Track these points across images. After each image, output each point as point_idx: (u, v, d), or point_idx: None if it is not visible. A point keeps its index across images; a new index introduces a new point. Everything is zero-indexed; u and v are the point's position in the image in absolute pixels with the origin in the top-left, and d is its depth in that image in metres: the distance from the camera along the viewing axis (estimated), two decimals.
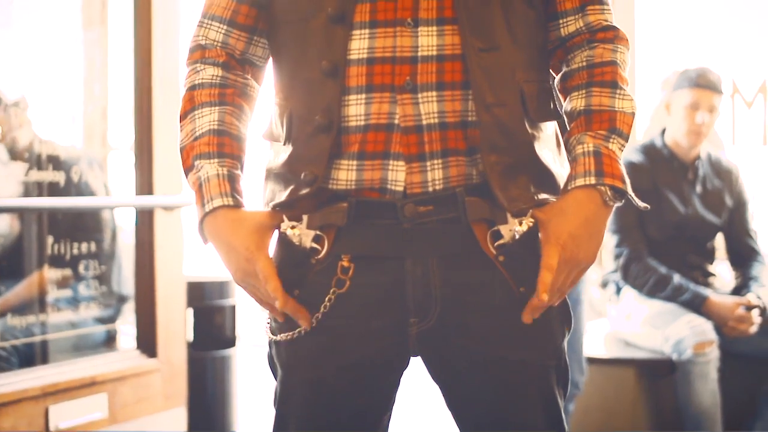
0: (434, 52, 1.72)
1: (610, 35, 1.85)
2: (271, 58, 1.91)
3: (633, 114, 1.81)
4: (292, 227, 1.79)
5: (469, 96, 1.73)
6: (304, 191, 1.75)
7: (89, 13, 4.48)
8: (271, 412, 1.93)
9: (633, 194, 1.78)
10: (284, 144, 1.81)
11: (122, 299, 4.34)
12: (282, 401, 1.88)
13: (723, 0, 5.65)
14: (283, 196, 1.79)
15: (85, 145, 4.34)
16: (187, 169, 1.84)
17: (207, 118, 1.84)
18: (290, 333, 1.82)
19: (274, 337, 1.85)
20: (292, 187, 1.78)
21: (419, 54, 1.72)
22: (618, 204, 1.77)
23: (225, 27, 1.88)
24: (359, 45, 1.73)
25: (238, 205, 1.79)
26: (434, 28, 1.72)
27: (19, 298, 3.97)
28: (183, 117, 1.87)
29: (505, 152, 1.73)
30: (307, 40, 1.79)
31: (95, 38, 4.42)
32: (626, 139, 1.79)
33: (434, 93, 1.72)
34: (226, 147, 1.82)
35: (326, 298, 1.78)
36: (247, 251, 1.77)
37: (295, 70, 1.82)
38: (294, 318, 1.80)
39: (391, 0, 1.73)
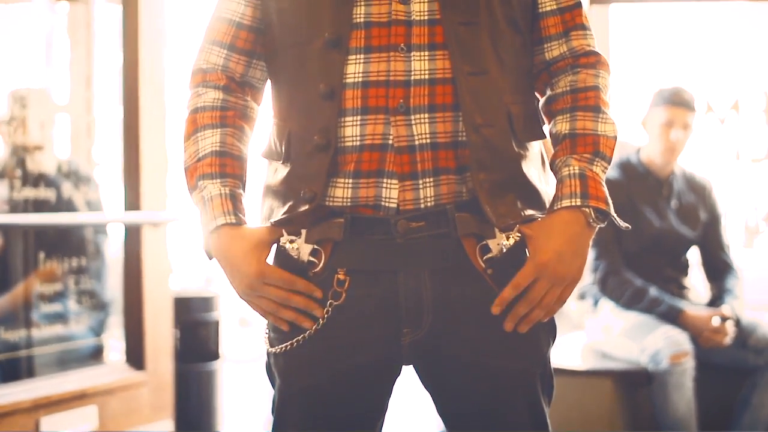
0: (426, 76, 1.81)
1: (593, 60, 1.94)
2: (269, 80, 1.99)
3: (615, 138, 1.90)
4: (291, 241, 1.87)
5: (460, 117, 1.81)
6: (303, 208, 1.83)
7: (75, 29, 4.54)
8: (254, 425, 2.00)
9: (614, 215, 1.87)
10: (283, 163, 1.89)
11: (109, 313, 4.39)
12: (280, 409, 1.94)
13: (696, 21, 5.75)
14: (281, 212, 1.87)
15: (71, 160, 4.39)
16: (191, 189, 1.92)
17: (209, 140, 1.91)
18: (287, 343, 1.89)
19: (272, 348, 1.92)
20: (290, 203, 1.85)
21: (412, 78, 1.81)
22: (601, 225, 1.87)
23: (225, 51, 1.96)
24: (355, 69, 1.82)
25: (240, 223, 1.87)
26: (426, 53, 1.81)
27: (5, 306, 4.02)
28: (186, 139, 1.95)
29: (493, 170, 1.82)
30: (304, 64, 1.87)
31: (81, 55, 4.48)
32: (609, 162, 1.89)
33: (426, 115, 1.81)
34: (227, 167, 1.90)
35: (324, 310, 1.85)
36: (248, 265, 1.85)
37: (294, 92, 1.90)
38: (307, 309, 1.86)
39: (385, 26, 1.81)
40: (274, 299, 1.87)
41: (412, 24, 1.81)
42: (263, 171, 1.99)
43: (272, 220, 1.88)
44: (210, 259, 1.92)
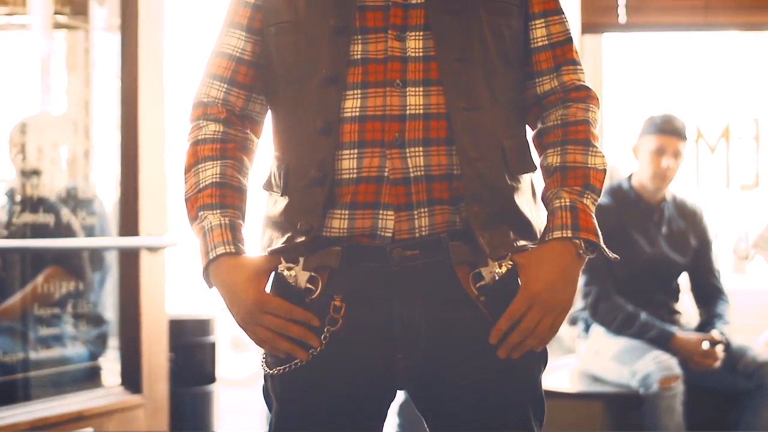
0: (421, 111, 1.86)
1: (583, 95, 1.99)
2: (270, 115, 2.04)
3: (605, 170, 1.95)
4: (289, 269, 1.91)
5: (453, 151, 1.86)
6: (300, 239, 1.88)
7: (73, 55, 4.58)
8: None
9: (604, 246, 1.92)
10: (282, 195, 1.94)
11: (107, 336, 4.42)
12: (276, 431, 1.98)
13: (687, 49, 5.81)
14: (280, 242, 1.91)
15: (68, 184, 4.42)
16: (192, 219, 1.96)
17: (210, 172, 1.96)
18: (284, 366, 1.93)
19: (270, 371, 1.96)
20: (288, 234, 1.90)
21: (407, 112, 1.86)
22: (591, 256, 1.92)
23: (225, 86, 2.00)
24: (352, 104, 1.87)
25: (239, 253, 1.92)
26: (421, 88, 1.86)
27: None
28: (187, 171, 1.99)
29: (487, 203, 1.87)
30: (302, 100, 1.92)
31: (79, 80, 4.51)
32: (599, 195, 1.94)
33: (421, 148, 1.86)
34: (227, 198, 1.95)
35: (321, 336, 1.89)
36: (246, 294, 1.90)
37: (292, 127, 1.95)
38: (303, 339, 1.90)
39: (381, 63, 1.87)
40: (271, 328, 1.90)
41: (408, 60, 1.87)
42: (264, 202, 2.03)
43: (270, 249, 1.93)
44: (210, 287, 1.96)
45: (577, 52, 2.03)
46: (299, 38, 1.92)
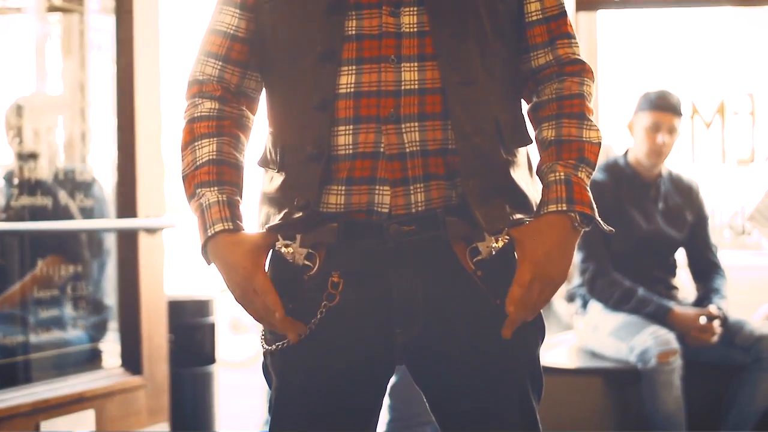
0: (416, 86, 1.87)
1: (578, 68, 2.00)
2: (265, 92, 2.04)
3: (599, 144, 1.96)
4: (286, 246, 1.92)
5: (449, 126, 1.88)
6: (297, 215, 1.89)
7: (68, 38, 4.58)
8: (250, 427, 2.05)
9: (599, 219, 1.93)
10: (278, 171, 1.95)
11: (108, 318, 4.44)
12: (276, 407, 2.00)
13: (682, 25, 5.80)
14: (277, 219, 1.92)
15: (67, 168, 4.43)
16: (190, 197, 1.97)
17: (206, 149, 1.97)
18: (284, 342, 1.94)
19: (269, 347, 1.98)
20: (285, 211, 1.91)
21: (402, 88, 1.87)
22: (586, 229, 1.93)
23: (220, 63, 2.00)
24: (347, 80, 1.88)
25: (237, 229, 1.93)
26: (416, 63, 1.87)
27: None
28: (184, 148, 2.00)
29: (483, 177, 1.88)
30: (298, 76, 1.93)
31: (75, 63, 4.52)
32: (593, 168, 1.95)
33: (416, 123, 1.87)
34: (225, 175, 1.96)
35: (317, 311, 1.91)
36: (245, 270, 1.91)
37: (287, 103, 1.96)
38: (283, 333, 1.93)
39: (376, 38, 1.88)
40: (257, 311, 1.93)
41: (402, 36, 1.87)
42: (259, 179, 2.04)
43: (267, 226, 1.94)
44: (208, 264, 1.97)
45: (571, 26, 2.03)
46: (294, 15, 1.93)
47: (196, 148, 1.98)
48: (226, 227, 1.92)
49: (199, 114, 2.00)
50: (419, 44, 1.88)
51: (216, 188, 1.94)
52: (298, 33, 1.92)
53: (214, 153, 1.96)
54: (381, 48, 1.88)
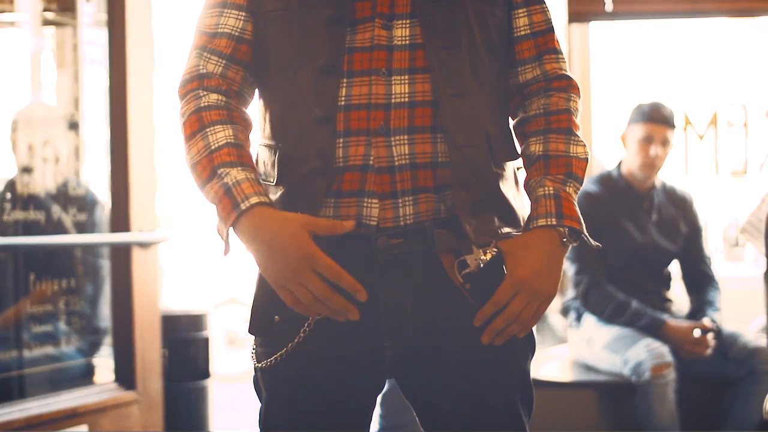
0: (406, 99, 1.87)
1: (565, 84, 2.01)
2: (260, 102, 2.01)
3: (586, 159, 1.97)
4: None
5: (438, 139, 1.88)
6: None
7: (62, 51, 4.58)
8: None
9: (587, 234, 1.94)
10: (275, 184, 1.93)
11: (101, 334, 4.43)
12: (267, 422, 2.00)
13: (675, 36, 5.82)
14: None
15: (60, 182, 4.41)
16: (207, 180, 1.87)
17: (222, 134, 1.89)
18: (272, 359, 1.94)
19: (258, 363, 1.97)
20: None
21: (392, 101, 1.87)
22: (574, 244, 1.93)
23: (224, 61, 1.96)
24: (344, 93, 1.87)
25: (273, 206, 1.86)
26: (406, 77, 1.88)
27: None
28: (191, 137, 1.92)
29: (474, 190, 1.88)
30: (297, 88, 1.91)
31: (69, 77, 4.52)
32: (581, 183, 1.96)
33: (406, 136, 1.87)
34: (245, 158, 1.89)
35: (305, 324, 1.90)
36: (306, 246, 1.80)
37: (286, 115, 1.94)
38: (340, 310, 1.83)
39: (367, 51, 1.88)
40: (314, 293, 1.81)
41: (394, 49, 1.88)
42: None
43: None
44: (227, 251, 1.88)
45: (558, 42, 2.05)
46: (293, 27, 1.92)
47: (209, 133, 1.90)
48: (263, 200, 1.84)
49: (206, 104, 1.93)
50: (410, 57, 1.88)
51: (240, 167, 1.87)
52: (297, 44, 1.92)
53: (231, 137, 1.90)
54: (372, 60, 1.88)
